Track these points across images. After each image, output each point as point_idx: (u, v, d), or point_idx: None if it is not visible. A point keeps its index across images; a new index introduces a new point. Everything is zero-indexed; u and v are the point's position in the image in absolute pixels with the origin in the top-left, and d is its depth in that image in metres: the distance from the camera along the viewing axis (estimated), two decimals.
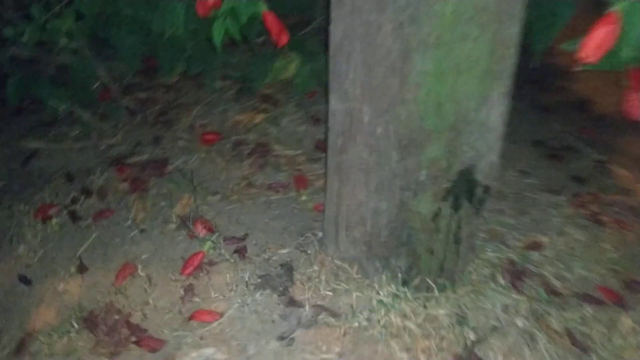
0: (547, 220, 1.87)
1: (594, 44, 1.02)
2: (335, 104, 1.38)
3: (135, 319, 1.50)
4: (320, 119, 2.35)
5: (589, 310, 1.47)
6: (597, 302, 1.52)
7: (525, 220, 1.85)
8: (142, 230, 1.82)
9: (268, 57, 2.40)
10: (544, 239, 1.73)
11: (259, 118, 2.37)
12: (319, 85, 2.34)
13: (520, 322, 1.40)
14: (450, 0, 1.12)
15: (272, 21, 1.52)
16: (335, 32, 1.30)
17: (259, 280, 1.50)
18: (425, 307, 1.40)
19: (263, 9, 1.52)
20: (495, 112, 1.26)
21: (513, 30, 1.18)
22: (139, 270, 1.65)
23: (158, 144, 2.26)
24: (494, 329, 1.38)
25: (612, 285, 1.61)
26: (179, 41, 2.19)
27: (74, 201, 2.04)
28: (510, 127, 2.67)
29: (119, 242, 1.80)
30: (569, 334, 1.39)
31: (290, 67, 2.20)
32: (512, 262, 1.59)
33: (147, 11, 1.88)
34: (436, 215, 1.34)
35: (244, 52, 2.56)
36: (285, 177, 2.03)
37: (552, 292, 1.52)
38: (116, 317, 1.52)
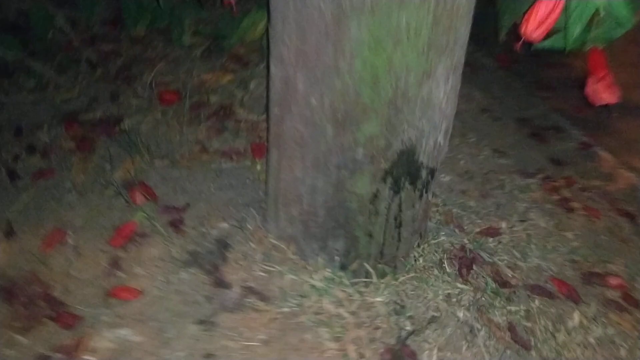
0: (512, 205, 1.77)
1: (536, 20, 0.89)
2: (273, 69, 1.26)
3: (56, 291, 1.42)
4: None
5: (536, 303, 1.38)
6: (547, 294, 1.42)
7: (488, 204, 1.74)
8: (80, 194, 1.72)
9: (241, 14, 2.25)
10: (503, 225, 1.63)
11: (226, 79, 2.24)
12: None
13: (460, 314, 1.31)
14: None
15: None
16: None
17: (189, 256, 1.40)
18: (361, 293, 1.31)
19: None
20: (440, 88, 1.14)
21: (462, 0, 1.05)
22: (69, 238, 1.56)
23: (114, 101, 2.15)
24: (433, 319, 1.29)
25: (568, 277, 1.52)
26: None
27: (16, 159, 1.93)
28: (496, 103, 2.56)
29: (53, 205, 1.70)
30: (511, 328, 1.31)
31: (259, 26, 2.06)
32: (463, 248, 1.49)
33: None
34: (375, 197, 1.24)
35: (218, 7, 2.41)
36: (243, 143, 1.92)
37: (501, 282, 1.42)
38: (36, 288, 1.44)
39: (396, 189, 1.23)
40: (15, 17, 2.37)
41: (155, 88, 2.17)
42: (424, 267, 1.40)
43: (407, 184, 1.23)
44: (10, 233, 1.62)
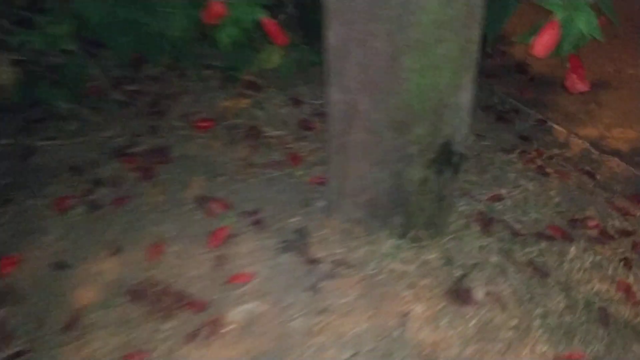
0: (504, 176, 2.25)
1: (543, 45, 1.37)
2: (335, 95, 1.67)
3: (176, 288, 1.77)
4: (300, 101, 2.63)
5: (543, 244, 1.87)
6: (549, 238, 1.91)
7: (486, 177, 2.22)
8: (161, 213, 2.06)
9: (247, 47, 2.63)
10: (503, 191, 2.11)
11: (244, 103, 2.62)
12: (298, 71, 2.62)
13: (493, 259, 1.77)
14: (429, 11, 1.43)
15: (271, 26, 1.79)
16: (334, 37, 1.58)
17: (281, 245, 1.80)
18: (419, 254, 1.75)
19: (263, 16, 1.77)
20: (465, 95, 1.60)
21: (476, 32, 1.51)
22: (168, 248, 1.90)
23: (155, 133, 2.47)
24: (474, 265, 1.75)
25: (559, 224, 2.01)
26: (166, 36, 2.40)
27: (89, 192, 2.23)
28: None
29: (142, 224, 2.02)
30: (531, 264, 1.78)
31: (274, 57, 2.46)
32: (481, 212, 1.95)
33: (144, 14, 2.08)
34: (424, 181, 1.68)
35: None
36: (279, 155, 2.31)
37: (514, 233, 1.90)
38: (158, 288, 1.78)
39: (439, 172, 1.68)
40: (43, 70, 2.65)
41: (189, 118, 2.53)
42: (457, 229, 1.86)
43: (446, 168, 1.68)
44: (115, 250, 1.95)
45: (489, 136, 2.59)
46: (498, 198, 2.07)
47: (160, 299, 1.74)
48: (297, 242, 1.81)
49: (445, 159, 1.66)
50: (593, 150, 2.60)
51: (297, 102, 2.62)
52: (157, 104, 2.65)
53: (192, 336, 1.60)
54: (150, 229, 2.00)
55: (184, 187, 2.14)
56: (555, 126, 2.78)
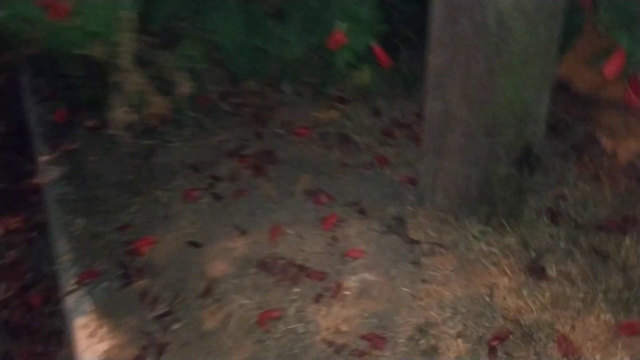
0: (564, 178, 2.60)
1: (613, 69, 1.76)
2: (433, 105, 2.06)
3: (298, 261, 2.16)
4: (380, 112, 3.04)
5: (602, 235, 2.22)
6: (606, 230, 2.26)
7: (549, 179, 2.57)
8: (276, 203, 2.47)
9: (336, 66, 3.06)
10: (565, 191, 2.47)
11: (334, 114, 3.03)
12: (382, 87, 3.04)
13: (562, 244, 2.14)
14: (520, 40, 1.82)
15: (379, 51, 2.21)
16: (437, 58, 1.98)
17: (383, 228, 2.19)
18: (501, 237, 2.12)
19: (373, 42, 2.19)
20: (543, 107, 1.98)
21: (555, 55, 1.90)
22: (287, 230, 2.31)
23: (261, 138, 2.89)
24: (547, 249, 2.11)
25: (614, 219, 2.36)
26: (274, 57, 2.84)
27: (210, 186, 2.65)
28: None
29: (261, 212, 2.43)
30: (594, 249, 2.14)
31: (364, 75, 2.88)
32: (548, 207, 2.32)
33: (266, 41, 2.52)
34: (508, 177, 2.06)
35: (314, 62, 3.20)
36: (368, 158, 2.71)
37: (577, 225, 2.26)
38: (282, 262, 2.18)
39: (520, 170, 2.06)
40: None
41: (287, 126, 2.95)
42: (530, 219, 2.23)
43: (526, 166, 2.06)
44: (241, 232, 2.36)
45: (546, 145, 2.94)
46: (561, 196, 2.42)
47: (285, 270, 2.14)
48: (396, 227, 2.20)
49: (526, 158, 2.04)
50: (638, 161, 2.92)
51: (378, 113, 3.02)
52: (259, 114, 3.07)
53: (318, 298, 2.00)
54: (268, 215, 2.41)
55: (292, 182, 2.56)
56: (603, 138, 3.10)
